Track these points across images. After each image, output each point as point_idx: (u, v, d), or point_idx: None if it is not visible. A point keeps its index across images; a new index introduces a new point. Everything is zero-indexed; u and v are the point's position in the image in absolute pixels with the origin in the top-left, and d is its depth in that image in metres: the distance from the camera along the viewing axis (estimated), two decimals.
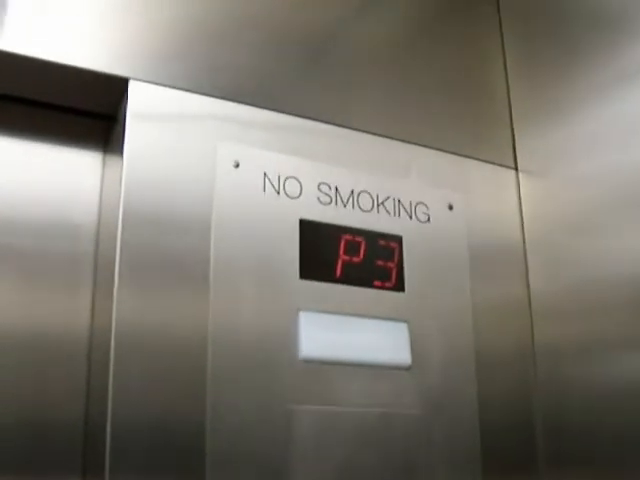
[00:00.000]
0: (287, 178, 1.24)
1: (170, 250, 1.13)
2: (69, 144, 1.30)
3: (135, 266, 1.10)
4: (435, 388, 1.26)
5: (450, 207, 1.38)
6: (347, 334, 1.20)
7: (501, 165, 1.51)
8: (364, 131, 1.36)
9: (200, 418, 1.08)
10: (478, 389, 1.31)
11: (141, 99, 1.19)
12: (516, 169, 1.52)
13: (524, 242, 1.47)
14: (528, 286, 1.44)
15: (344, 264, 1.24)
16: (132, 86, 1.19)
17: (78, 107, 1.28)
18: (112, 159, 1.26)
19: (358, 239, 1.26)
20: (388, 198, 1.32)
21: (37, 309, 1.21)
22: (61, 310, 1.22)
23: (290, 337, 1.16)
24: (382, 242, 1.29)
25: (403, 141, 1.40)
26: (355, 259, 1.25)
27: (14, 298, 1.20)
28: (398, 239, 1.30)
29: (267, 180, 1.22)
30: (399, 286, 1.28)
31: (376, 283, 1.26)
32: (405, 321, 1.26)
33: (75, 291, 1.24)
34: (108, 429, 1.02)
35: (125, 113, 1.18)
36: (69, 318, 1.22)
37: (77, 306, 1.23)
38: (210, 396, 1.09)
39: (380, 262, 1.27)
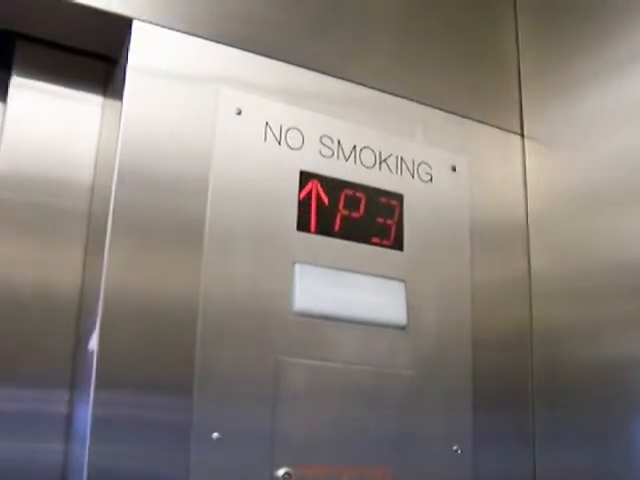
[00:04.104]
0: (289, 129, 1.22)
1: (168, 200, 1.11)
2: (69, 85, 1.27)
3: (131, 215, 1.08)
4: (430, 349, 1.24)
5: (453, 168, 1.36)
6: (343, 289, 1.18)
7: (507, 130, 1.48)
8: (371, 87, 1.34)
9: (188, 372, 1.06)
10: (473, 355, 1.29)
11: (144, 41, 1.16)
12: (522, 135, 1.50)
13: (527, 211, 1.45)
14: (528, 256, 1.42)
15: (343, 219, 1.22)
16: (136, 27, 1.16)
17: (79, 46, 1.25)
18: (112, 103, 1.23)
19: (359, 194, 1.24)
20: (391, 155, 1.30)
21: (30, 265, 1.19)
22: (53, 268, 1.20)
23: (285, 289, 1.14)
24: (383, 199, 1.27)
25: (409, 99, 1.37)
26: (354, 214, 1.23)
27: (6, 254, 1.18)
28: (399, 197, 1.28)
29: (269, 129, 1.20)
30: (398, 245, 1.26)
31: (374, 240, 1.24)
32: (402, 280, 1.24)
33: (68, 249, 1.22)
34: (92, 387, 1.00)
35: (127, 55, 1.15)
36: (61, 276, 1.20)
37: (69, 264, 1.21)
38: (200, 347, 1.07)
39: (380, 219, 1.25)
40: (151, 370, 1.04)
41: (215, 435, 1.04)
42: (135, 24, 1.16)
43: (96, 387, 1.00)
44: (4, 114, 1.23)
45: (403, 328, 1.22)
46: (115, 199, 1.07)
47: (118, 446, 1.00)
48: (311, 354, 1.14)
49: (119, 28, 1.17)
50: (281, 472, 1.07)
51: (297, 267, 1.15)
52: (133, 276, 1.06)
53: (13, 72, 1.24)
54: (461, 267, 1.32)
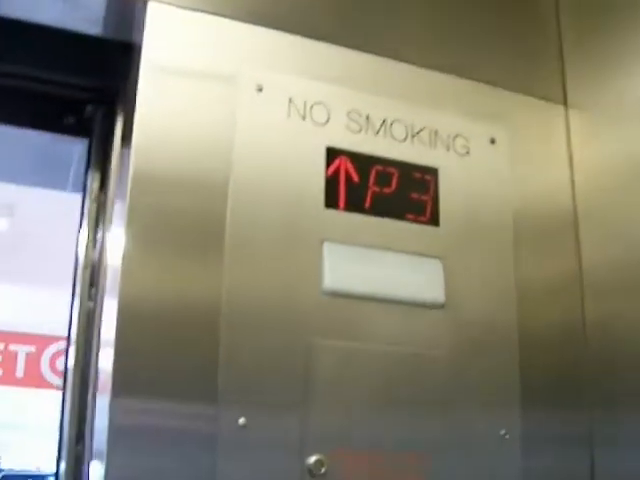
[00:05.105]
0: (314, 104, 1.17)
1: (189, 184, 1.07)
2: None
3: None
4: (471, 330, 1.17)
5: (492, 141, 1.29)
6: (375, 267, 1.13)
7: (549, 100, 1.40)
8: (401, 60, 1.28)
9: (213, 354, 1.01)
10: (520, 337, 1.21)
11: (160, 22, 1.13)
12: (565, 104, 1.41)
13: (573, 192, 1.35)
14: (577, 241, 1.33)
15: (374, 195, 1.16)
16: (151, 7, 1.13)
17: (96, 34, 1.22)
18: (129, 88, 1.20)
19: (390, 170, 1.19)
20: (424, 129, 1.24)
21: None
22: None
23: (314, 269, 1.09)
24: (416, 174, 1.21)
25: (441, 71, 1.30)
26: (386, 190, 1.17)
27: None
28: (434, 171, 1.22)
29: (292, 105, 1.15)
30: (434, 220, 1.20)
31: (409, 216, 1.18)
32: (439, 257, 1.18)
33: None
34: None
35: (142, 37, 1.11)
36: None
37: None
38: (225, 329, 1.02)
39: (414, 195, 1.19)
40: (174, 356, 1.00)
41: (241, 421, 1.00)
42: (150, 5, 1.12)
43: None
44: None
45: (442, 307, 1.15)
46: (133, 180, 1.03)
47: (141, 435, 0.96)
48: (343, 336, 1.09)
49: (134, 10, 1.14)
50: (312, 459, 1.02)
51: (326, 245, 1.10)
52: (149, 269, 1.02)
53: None
54: (504, 245, 1.24)
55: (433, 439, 1.10)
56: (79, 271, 1.26)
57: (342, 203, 1.13)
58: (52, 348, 5.73)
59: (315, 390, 1.04)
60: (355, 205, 1.14)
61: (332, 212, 1.12)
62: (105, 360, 1.08)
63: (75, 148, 1.49)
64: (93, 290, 1.24)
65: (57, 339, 5.53)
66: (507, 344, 1.20)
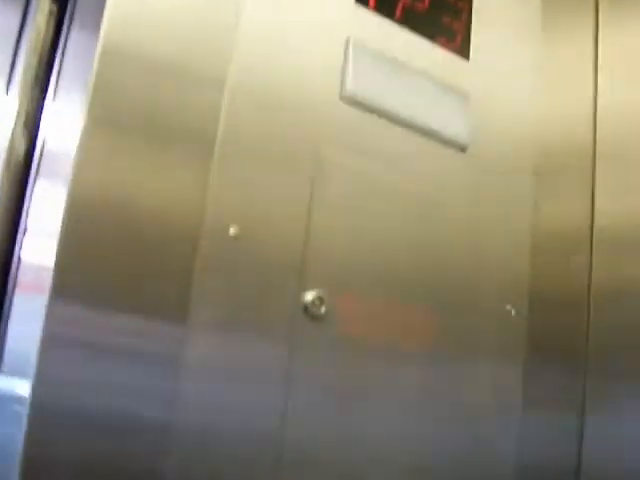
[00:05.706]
0: None
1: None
2: None
3: None
4: (490, 183, 1.02)
5: None
6: (400, 85, 0.95)
7: None
8: None
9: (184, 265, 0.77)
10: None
11: None
12: None
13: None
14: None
15: (405, 7, 0.97)
16: None
17: None
18: None
19: None
20: None
21: None
22: None
23: (336, 70, 0.89)
24: None
25: None
26: (419, 5, 0.98)
27: None
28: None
29: None
30: (464, 51, 1.03)
31: (439, 39, 1.00)
32: (465, 94, 1.01)
33: None
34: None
35: None
36: None
37: None
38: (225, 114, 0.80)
39: (446, 19, 1.02)
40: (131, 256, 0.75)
41: (232, 230, 0.78)
42: None
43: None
44: None
45: (463, 150, 0.98)
46: (102, 55, 0.76)
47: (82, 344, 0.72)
48: (357, 150, 0.91)
49: None
50: (310, 296, 0.82)
51: (352, 44, 0.90)
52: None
53: None
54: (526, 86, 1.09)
55: (440, 295, 0.95)
56: None
57: (372, 2, 0.93)
58: None
59: (321, 206, 0.85)
60: (385, 9, 0.96)
61: (361, 10, 0.93)
62: (36, 254, 0.82)
63: None
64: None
65: None
66: (523, 201, 1.06)
